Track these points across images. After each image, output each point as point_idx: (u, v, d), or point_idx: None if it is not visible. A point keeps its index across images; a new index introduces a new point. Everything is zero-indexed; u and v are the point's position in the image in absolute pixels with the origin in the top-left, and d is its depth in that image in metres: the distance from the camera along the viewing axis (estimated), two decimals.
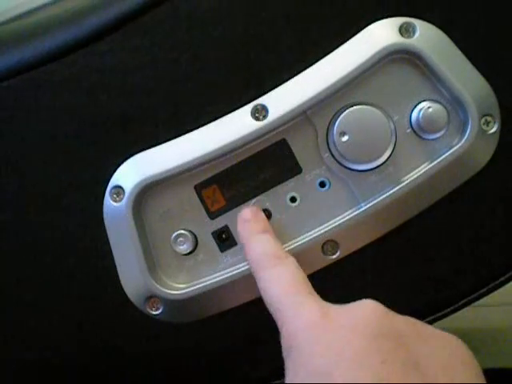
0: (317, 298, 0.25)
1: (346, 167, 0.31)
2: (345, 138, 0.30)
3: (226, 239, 0.32)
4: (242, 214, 0.31)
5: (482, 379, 0.22)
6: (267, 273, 0.27)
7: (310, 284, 0.26)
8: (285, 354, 0.24)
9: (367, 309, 0.23)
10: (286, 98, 0.31)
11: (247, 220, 0.30)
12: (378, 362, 0.21)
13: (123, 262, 0.32)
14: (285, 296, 0.25)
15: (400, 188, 0.31)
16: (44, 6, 0.44)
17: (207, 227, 0.32)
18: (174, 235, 0.32)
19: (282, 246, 0.29)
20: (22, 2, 0.45)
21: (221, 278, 0.31)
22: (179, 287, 0.32)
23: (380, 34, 0.30)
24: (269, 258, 0.28)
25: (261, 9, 0.31)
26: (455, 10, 0.31)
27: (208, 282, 0.32)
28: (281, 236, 0.31)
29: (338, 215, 0.31)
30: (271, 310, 0.26)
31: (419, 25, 0.30)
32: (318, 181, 0.31)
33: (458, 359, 0.22)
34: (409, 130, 0.31)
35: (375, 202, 0.31)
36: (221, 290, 0.32)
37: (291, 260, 0.27)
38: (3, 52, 0.33)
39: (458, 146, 0.30)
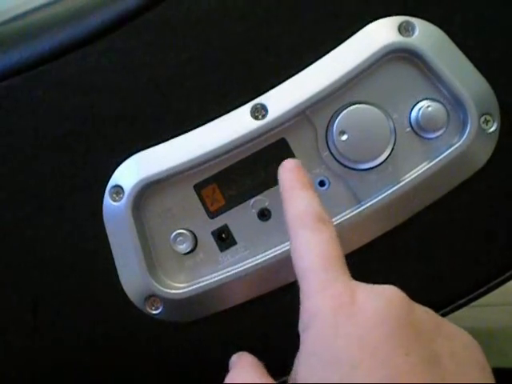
0: (347, 276, 0.24)
1: (345, 166, 0.31)
2: (344, 137, 0.30)
3: (225, 238, 0.32)
4: (286, 163, 0.28)
5: (493, 380, 0.22)
6: (305, 234, 0.25)
7: (343, 259, 0.24)
8: (301, 327, 0.23)
9: (393, 296, 0.22)
10: (285, 97, 0.31)
11: (291, 170, 0.28)
12: (402, 353, 0.20)
13: (123, 261, 0.32)
14: (316, 268, 0.23)
15: (399, 187, 0.31)
16: (44, 6, 0.44)
17: (207, 226, 0.32)
18: (173, 234, 0.32)
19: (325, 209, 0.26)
20: (22, 1, 0.45)
21: (220, 277, 0.31)
22: (179, 286, 0.32)
23: (379, 33, 0.30)
24: (312, 217, 0.25)
25: (259, 8, 0.31)
26: (455, 9, 0.31)
27: (208, 282, 0.32)
28: (280, 235, 0.31)
29: (338, 214, 0.31)
30: (298, 276, 0.24)
31: (418, 24, 0.30)
32: (318, 180, 0.31)
33: (475, 360, 0.22)
34: (408, 129, 0.31)
35: (374, 200, 0.31)
36: (220, 290, 0.32)
37: (332, 227, 0.25)
38: (2, 52, 0.33)
39: (457, 145, 0.30)
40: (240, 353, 0.29)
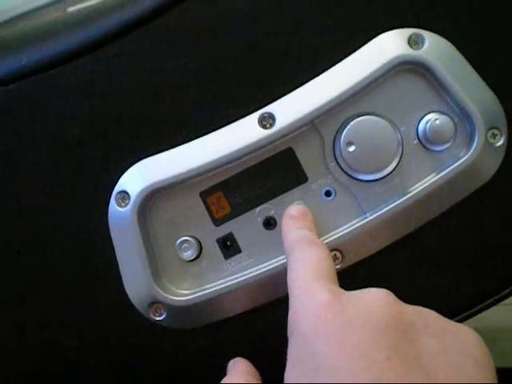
0: (334, 284, 0.24)
1: (352, 177, 0.31)
2: (351, 148, 0.30)
3: (230, 246, 0.32)
4: (290, 210, 0.31)
5: (494, 379, 0.21)
6: (295, 255, 0.26)
7: (334, 275, 0.25)
8: (288, 333, 0.23)
9: (376, 297, 0.22)
10: (293, 107, 0.31)
11: (293, 217, 0.30)
12: (384, 357, 0.20)
13: (127, 267, 0.32)
14: (303, 280, 0.24)
15: (406, 199, 0.31)
16: (44, 6, 0.44)
17: (212, 234, 0.32)
18: (178, 241, 0.32)
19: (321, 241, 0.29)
20: (22, 1, 0.45)
21: (225, 285, 0.31)
22: (183, 293, 0.32)
23: (389, 45, 0.30)
24: (301, 243, 0.27)
25: (269, 17, 0.31)
26: (464, 22, 0.31)
27: (212, 289, 0.32)
28: None
29: (343, 225, 0.31)
30: (288, 288, 0.25)
31: (428, 36, 0.30)
32: (324, 190, 0.31)
33: (470, 357, 0.21)
34: (415, 141, 0.31)
35: (380, 212, 0.31)
36: (224, 297, 0.32)
37: (324, 248, 0.27)
38: (11, 55, 0.33)
39: (464, 158, 0.30)
40: (235, 359, 0.30)
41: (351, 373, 0.20)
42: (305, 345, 0.22)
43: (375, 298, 0.22)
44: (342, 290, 0.24)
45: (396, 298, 0.23)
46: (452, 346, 0.21)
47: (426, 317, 0.22)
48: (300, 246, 0.27)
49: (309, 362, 0.21)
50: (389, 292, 0.23)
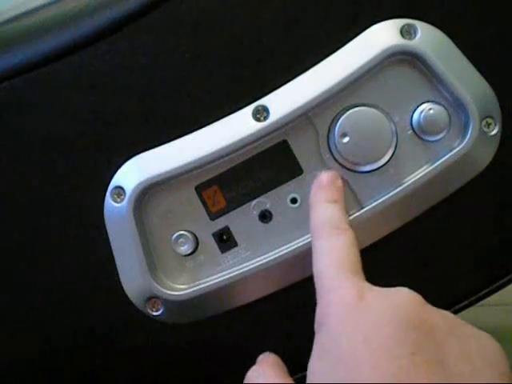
0: (360, 277, 0.25)
1: (346, 168, 0.31)
2: (346, 140, 0.30)
3: (226, 240, 0.32)
4: (319, 178, 0.30)
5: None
6: (322, 242, 0.27)
7: (359, 263, 0.26)
8: (316, 327, 0.24)
9: (403, 297, 0.23)
10: (287, 99, 0.31)
11: (321, 186, 0.30)
12: (408, 353, 0.20)
13: (124, 262, 0.32)
14: (329, 269, 0.25)
15: (401, 190, 0.30)
16: (44, 6, 0.44)
17: (208, 228, 0.32)
18: (174, 236, 0.32)
19: (347, 218, 0.29)
20: (22, 1, 0.45)
21: (221, 279, 0.31)
22: (179, 288, 0.32)
23: (381, 36, 0.30)
24: (328, 227, 0.27)
25: (262, 10, 0.31)
26: (456, 12, 0.31)
27: (208, 283, 0.32)
28: (281, 237, 0.31)
29: None
30: (315, 280, 0.26)
31: (420, 26, 0.30)
32: None
33: (490, 363, 0.22)
34: (410, 132, 0.31)
35: (376, 203, 0.31)
36: (221, 291, 0.32)
37: (349, 234, 0.27)
38: (5, 52, 0.33)
39: (458, 148, 0.30)
40: (265, 353, 0.30)
41: (375, 366, 0.20)
42: (331, 339, 0.22)
43: (402, 298, 0.23)
44: (369, 285, 0.24)
45: (423, 300, 0.23)
46: (474, 351, 0.22)
47: (451, 320, 0.23)
48: (327, 233, 0.27)
49: (333, 353, 0.22)
50: (416, 293, 0.23)
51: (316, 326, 0.24)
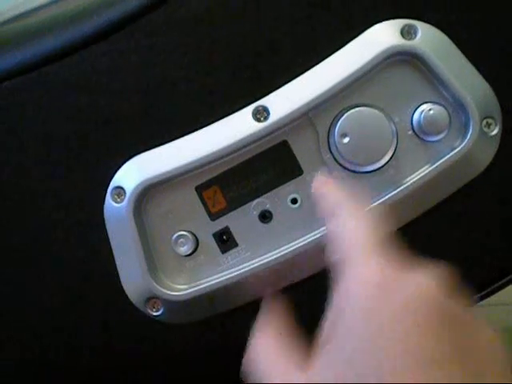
0: (386, 264, 0.23)
1: (347, 169, 0.31)
2: (346, 140, 0.30)
3: (226, 240, 0.32)
4: (320, 176, 0.31)
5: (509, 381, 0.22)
6: (343, 219, 0.25)
7: (383, 241, 0.24)
8: (333, 312, 0.23)
9: (423, 286, 0.22)
10: (287, 100, 0.31)
11: (326, 181, 0.30)
12: (433, 341, 0.20)
13: (124, 262, 0.32)
14: (352, 248, 0.24)
15: (401, 190, 0.30)
16: (44, 6, 0.44)
17: (208, 228, 0.32)
18: (174, 236, 0.32)
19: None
20: (22, 1, 0.45)
21: (221, 279, 0.31)
22: (179, 288, 0.32)
23: (382, 36, 0.30)
24: (349, 204, 0.26)
25: (262, 10, 0.31)
26: (457, 12, 0.31)
27: (208, 284, 0.31)
28: (281, 238, 0.31)
29: None
30: (340, 259, 0.24)
31: (421, 27, 0.30)
32: None
33: (496, 357, 0.22)
34: (410, 132, 0.31)
35: (376, 203, 0.31)
36: (221, 291, 0.32)
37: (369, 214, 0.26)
38: (4, 53, 0.33)
39: (459, 148, 0.30)
40: (264, 312, 0.29)
41: (401, 353, 0.20)
42: (355, 325, 0.22)
43: (421, 286, 0.22)
44: (395, 269, 0.23)
45: (444, 287, 0.22)
46: (484, 344, 0.22)
47: (466, 310, 0.22)
48: (346, 210, 0.26)
49: (351, 341, 0.21)
50: (437, 278, 0.22)
51: (334, 313, 0.23)
